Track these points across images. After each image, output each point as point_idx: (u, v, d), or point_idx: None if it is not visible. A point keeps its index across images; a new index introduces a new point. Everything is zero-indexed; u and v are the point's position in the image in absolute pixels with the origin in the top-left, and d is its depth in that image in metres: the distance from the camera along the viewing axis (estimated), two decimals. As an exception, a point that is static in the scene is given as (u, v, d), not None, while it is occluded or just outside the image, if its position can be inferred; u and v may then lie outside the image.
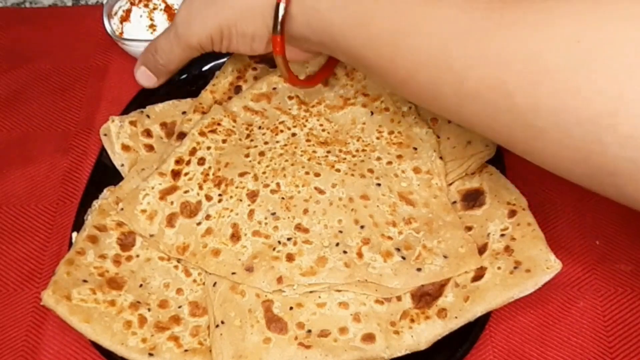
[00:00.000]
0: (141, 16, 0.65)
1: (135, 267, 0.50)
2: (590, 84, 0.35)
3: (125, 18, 0.65)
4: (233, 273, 0.49)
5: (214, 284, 0.49)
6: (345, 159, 0.55)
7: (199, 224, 0.52)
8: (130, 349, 0.46)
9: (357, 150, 0.56)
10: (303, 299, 0.48)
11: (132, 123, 0.58)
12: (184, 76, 0.63)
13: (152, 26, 0.65)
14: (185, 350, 0.46)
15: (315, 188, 0.53)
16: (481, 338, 0.48)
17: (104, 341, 0.46)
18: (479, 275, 0.48)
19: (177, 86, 0.62)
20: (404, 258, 0.49)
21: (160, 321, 0.47)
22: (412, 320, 0.46)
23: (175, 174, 0.54)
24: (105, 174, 0.56)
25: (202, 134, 0.56)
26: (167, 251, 0.51)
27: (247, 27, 0.52)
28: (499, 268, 0.47)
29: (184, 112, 0.60)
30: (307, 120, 0.58)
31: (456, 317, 0.46)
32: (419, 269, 0.48)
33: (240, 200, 0.53)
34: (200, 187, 0.53)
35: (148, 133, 0.58)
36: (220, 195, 0.53)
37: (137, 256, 0.51)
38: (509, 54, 0.38)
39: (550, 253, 0.47)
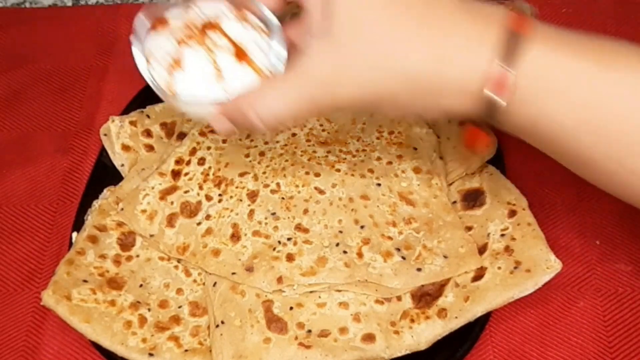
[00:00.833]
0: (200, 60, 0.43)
1: (136, 267, 0.50)
2: None
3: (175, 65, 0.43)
4: (233, 273, 0.49)
5: (214, 284, 0.49)
6: (345, 159, 0.55)
7: (199, 224, 0.52)
8: (130, 349, 0.46)
9: (357, 150, 0.56)
10: (303, 299, 0.48)
11: (132, 123, 0.57)
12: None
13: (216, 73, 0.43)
14: (186, 350, 0.46)
15: (315, 188, 0.53)
16: (481, 338, 0.48)
17: (104, 341, 0.46)
18: (479, 275, 0.48)
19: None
20: (404, 258, 0.49)
21: (161, 321, 0.47)
22: (412, 320, 0.46)
23: (176, 174, 0.54)
24: (105, 174, 0.56)
25: (202, 134, 0.56)
26: (167, 251, 0.51)
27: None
28: (499, 268, 0.47)
29: (184, 112, 0.60)
30: (307, 120, 0.58)
31: (456, 317, 0.46)
32: (419, 269, 0.48)
33: (241, 200, 0.53)
34: (201, 187, 0.53)
35: (148, 133, 0.58)
36: (220, 195, 0.53)
37: (137, 256, 0.51)
38: None
39: (550, 253, 0.47)
